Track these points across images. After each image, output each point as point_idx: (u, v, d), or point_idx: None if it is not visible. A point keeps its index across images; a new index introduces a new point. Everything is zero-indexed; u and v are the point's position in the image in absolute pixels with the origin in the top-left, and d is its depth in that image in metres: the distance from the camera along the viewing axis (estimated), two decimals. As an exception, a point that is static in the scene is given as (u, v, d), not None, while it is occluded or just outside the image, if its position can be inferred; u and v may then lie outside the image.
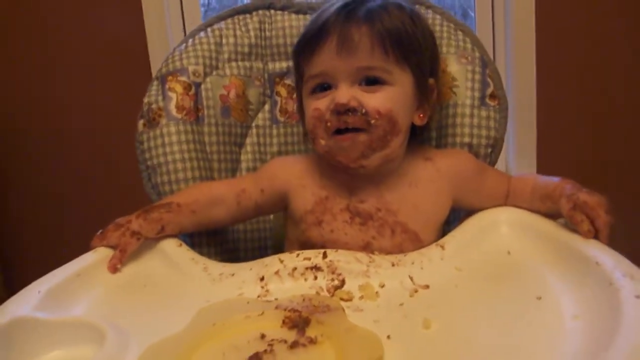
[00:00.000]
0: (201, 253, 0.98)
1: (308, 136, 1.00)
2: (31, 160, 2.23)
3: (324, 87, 0.95)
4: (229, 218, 1.05)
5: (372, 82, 0.93)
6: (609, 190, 0.85)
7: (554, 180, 0.93)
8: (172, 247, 0.95)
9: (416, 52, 0.96)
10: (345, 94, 0.92)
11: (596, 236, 0.81)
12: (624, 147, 2.14)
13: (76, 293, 0.83)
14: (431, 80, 1.01)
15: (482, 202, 1.00)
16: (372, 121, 0.92)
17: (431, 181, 1.01)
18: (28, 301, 0.76)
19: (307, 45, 0.96)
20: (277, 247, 1.16)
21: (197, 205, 1.00)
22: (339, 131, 0.93)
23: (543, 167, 2.10)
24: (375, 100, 0.92)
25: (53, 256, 0.95)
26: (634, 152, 2.14)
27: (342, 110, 0.92)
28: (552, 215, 0.91)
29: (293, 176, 1.04)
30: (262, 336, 0.71)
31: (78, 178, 2.23)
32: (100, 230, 0.94)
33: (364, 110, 0.91)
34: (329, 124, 0.93)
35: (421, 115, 1.01)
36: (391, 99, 0.93)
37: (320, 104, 0.95)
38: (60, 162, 2.22)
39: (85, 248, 0.93)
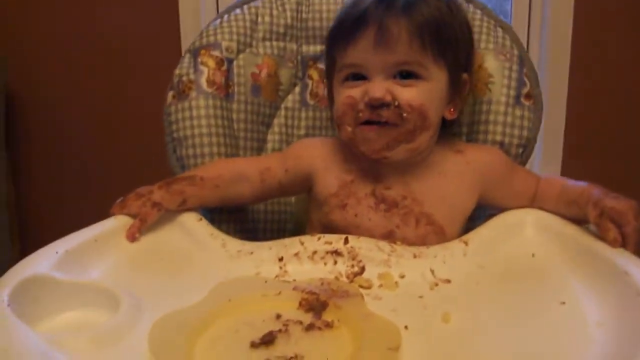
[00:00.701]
0: (220, 229, 0.97)
1: (334, 121, 0.99)
2: (58, 123, 2.24)
3: (357, 77, 0.94)
4: (252, 196, 1.04)
5: (406, 76, 0.92)
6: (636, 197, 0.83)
7: (581, 185, 0.91)
8: (192, 221, 0.95)
9: (453, 46, 0.95)
10: (380, 87, 0.91)
11: (624, 243, 0.79)
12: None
13: (94, 257, 0.83)
14: (465, 75, 1.00)
15: (509, 201, 0.99)
16: (405, 114, 0.91)
17: (460, 173, 1.00)
18: (46, 260, 0.76)
19: (344, 33, 0.94)
20: (297, 230, 1.15)
21: (221, 180, 0.99)
22: (367, 122, 0.93)
23: (567, 172, 2.08)
24: (409, 94, 0.91)
25: (72, 223, 0.95)
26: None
27: (376, 105, 0.91)
28: (579, 221, 0.89)
29: (319, 158, 1.03)
30: (278, 316, 0.70)
31: (104, 145, 2.24)
32: (120, 198, 0.93)
33: (396, 103, 0.90)
34: (360, 114, 0.92)
35: (452, 109, 1.00)
36: (425, 94, 0.92)
37: (353, 92, 0.93)
38: (88, 129, 2.24)
39: (105, 215, 0.93)
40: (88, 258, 0.82)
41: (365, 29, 0.91)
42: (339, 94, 0.96)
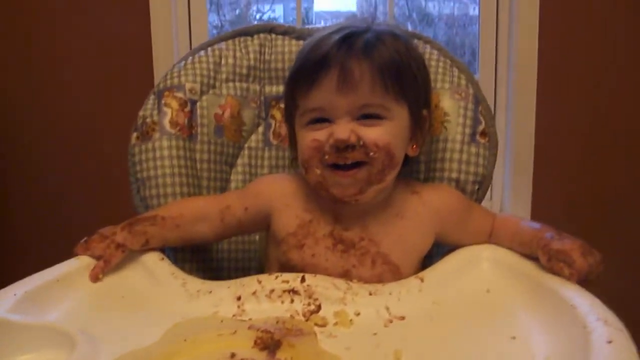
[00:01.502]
0: (184, 269, 0.98)
1: (299, 164, 1.00)
2: (29, 161, 2.23)
3: (321, 120, 0.95)
4: (212, 234, 1.05)
5: (369, 117, 0.93)
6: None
7: (534, 228, 0.94)
8: (154, 261, 0.96)
9: (413, 85, 0.97)
10: (344, 129, 0.91)
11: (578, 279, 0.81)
12: (619, 194, 2.15)
13: (53, 298, 0.83)
14: (425, 112, 1.02)
15: (465, 239, 1.01)
16: (371, 154, 0.92)
17: (417, 214, 1.01)
18: (2, 303, 0.76)
19: (305, 77, 0.95)
20: (261, 269, 1.15)
21: (182, 220, 1.00)
22: (336, 165, 0.94)
23: (537, 208, 2.11)
24: (374, 134, 0.92)
25: (36, 263, 0.95)
26: (630, 201, 2.15)
27: (341, 147, 0.92)
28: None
29: (278, 195, 1.04)
30: (232, 355, 0.71)
31: (72, 182, 2.22)
32: (84, 239, 0.94)
33: (361, 143, 0.91)
34: (326, 156, 0.93)
35: (414, 146, 1.01)
36: (389, 133, 0.93)
37: (318, 135, 0.94)
38: (57, 165, 2.22)
39: (70, 254, 0.93)
40: (48, 299, 0.82)
41: (327, 72, 0.92)
42: (304, 137, 0.97)
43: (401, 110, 0.95)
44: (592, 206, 2.15)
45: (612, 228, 2.12)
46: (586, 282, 0.82)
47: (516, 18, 2.05)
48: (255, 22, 2.37)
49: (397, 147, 0.95)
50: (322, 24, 2.31)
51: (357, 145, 0.91)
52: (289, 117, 1.03)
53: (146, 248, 0.96)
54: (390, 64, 0.93)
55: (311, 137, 0.95)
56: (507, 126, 2.10)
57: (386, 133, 0.93)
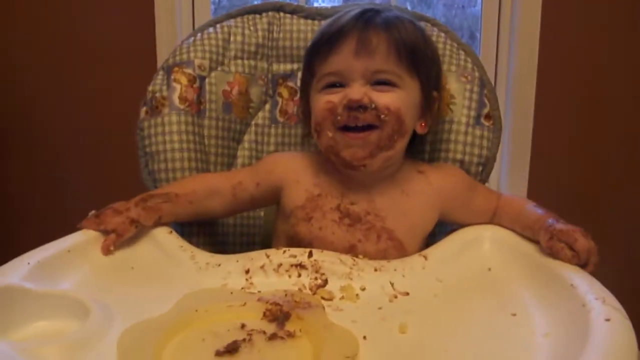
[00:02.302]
0: (190, 242, 1.00)
1: (311, 134, 1.03)
2: (34, 144, 2.24)
3: (336, 85, 0.98)
4: (224, 210, 1.07)
5: (382, 83, 0.97)
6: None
7: (538, 212, 0.95)
8: (162, 234, 0.97)
9: (425, 64, 1.01)
10: (358, 90, 0.95)
11: (578, 260, 0.84)
12: (615, 178, 2.17)
13: (65, 268, 0.85)
14: (435, 93, 1.05)
15: (469, 218, 1.03)
16: (382, 116, 0.95)
17: (422, 192, 1.04)
18: (17, 271, 0.78)
19: (325, 45, 0.99)
20: (266, 243, 1.17)
21: (194, 196, 1.03)
22: (346, 128, 0.96)
23: (532, 191, 2.13)
24: (386, 98, 0.96)
25: (46, 234, 0.96)
26: (625, 184, 2.17)
27: (354, 106, 0.95)
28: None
29: (289, 171, 1.06)
30: (243, 326, 0.73)
31: (80, 157, 2.24)
32: (92, 212, 0.95)
33: (373, 106, 0.95)
34: (339, 117, 0.96)
35: (423, 124, 1.04)
36: (400, 99, 0.97)
37: (332, 98, 0.98)
38: (64, 140, 2.23)
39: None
40: (59, 269, 0.84)
41: (346, 39, 0.97)
42: (318, 101, 1.00)
43: (413, 84, 0.99)
44: (589, 190, 2.16)
45: (609, 213, 2.15)
46: (584, 267, 0.84)
47: (519, 1, 2.06)
48: (254, 1, 2.36)
49: (408, 115, 0.98)
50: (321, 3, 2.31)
51: (369, 107, 0.95)
52: (305, 88, 1.06)
53: (158, 224, 0.98)
54: (407, 40, 0.98)
55: (325, 99, 0.98)
56: (506, 110, 2.12)
57: (398, 99, 0.96)
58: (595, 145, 2.16)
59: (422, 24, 1.18)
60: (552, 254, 0.86)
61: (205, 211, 1.05)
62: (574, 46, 2.10)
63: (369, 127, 0.96)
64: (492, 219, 1.03)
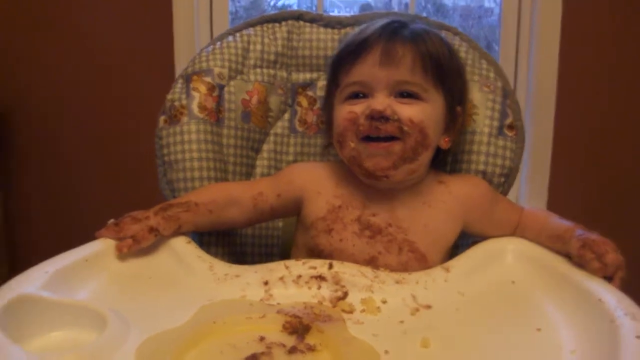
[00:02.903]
0: (209, 252, 0.99)
1: (333, 144, 1.02)
2: (50, 141, 2.25)
3: (359, 95, 0.98)
4: (244, 220, 1.07)
5: (407, 95, 0.96)
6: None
7: (567, 223, 0.94)
8: (181, 244, 0.96)
9: (451, 78, 1.00)
10: (381, 101, 0.94)
11: (605, 271, 0.82)
12: (635, 193, 2.14)
13: (82, 277, 0.84)
14: (459, 108, 1.04)
15: (491, 230, 1.02)
16: (405, 129, 0.94)
17: (444, 203, 1.02)
18: (35, 280, 0.77)
19: (350, 55, 0.99)
20: (284, 254, 1.16)
21: (214, 205, 1.02)
22: (369, 138, 0.95)
23: (553, 202, 2.10)
24: (409, 111, 0.95)
25: (63, 242, 0.96)
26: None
27: (376, 117, 0.94)
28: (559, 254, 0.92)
29: (310, 182, 1.05)
30: (262, 338, 0.72)
31: (97, 165, 2.25)
32: (111, 221, 0.95)
33: (396, 117, 0.94)
34: (361, 127, 0.95)
35: (447, 139, 1.03)
36: (424, 113, 0.96)
37: (355, 108, 0.97)
38: (81, 149, 2.25)
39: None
40: (78, 278, 0.84)
41: (371, 49, 0.96)
42: (340, 111, 0.99)
43: (438, 97, 0.98)
44: (610, 201, 2.15)
45: (630, 225, 2.12)
46: (610, 280, 0.82)
47: (538, 12, 2.05)
48: (270, 10, 2.37)
49: (431, 128, 0.97)
50: (336, 12, 2.31)
51: (391, 118, 0.94)
52: (329, 98, 1.06)
53: (178, 233, 0.97)
54: (433, 53, 0.97)
55: (348, 110, 0.98)
56: (526, 120, 2.08)
57: (421, 112, 0.95)
58: (616, 156, 2.14)
59: (443, 33, 1.17)
60: (581, 263, 0.85)
61: (225, 221, 1.05)
62: (595, 56, 2.08)
63: (392, 138, 0.95)
64: (515, 232, 1.01)
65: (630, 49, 2.07)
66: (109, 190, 2.23)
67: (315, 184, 1.05)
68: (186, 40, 2.12)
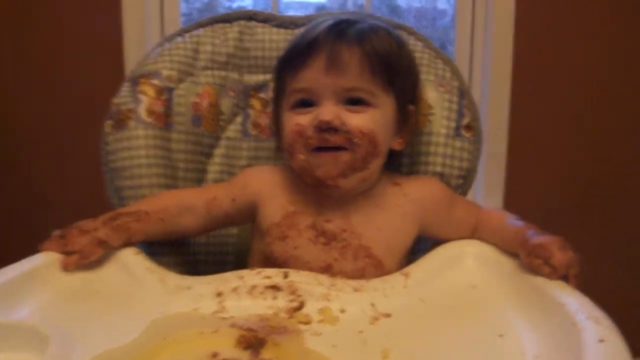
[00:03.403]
0: (159, 263, 0.95)
1: (283, 151, 0.99)
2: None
3: (306, 103, 0.94)
4: (198, 227, 1.03)
5: (355, 102, 0.93)
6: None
7: (517, 225, 0.92)
8: (129, 255, 0.92)
9: (401, 77, 0.97)
10: (329, 111, 0.91)
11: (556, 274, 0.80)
12: (591, 190, 2.17)
13: (23, 294, 0.79)
14: (411, 107, 1.01)
15: (449, 232, 1.00)
16: (355, 140, 0.91)
17: (398, 205, 1.00)
18: (-31, 301, 0.72)
19: (294, 59, 0.95)
20: (240, 263, 1.12)
21: (166, 214, 0.98)
22: (319, 149, 0.92)
23: (509, 202, 2.11)
24: (358, 120, 0.92)
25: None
26: (602, 196, 2.17)
27: (324, 128, 0.90)
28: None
29: (265, 186, 1.02)
30: (215, 354, 0.68)
31: (42, 179, 2.17)
32: (57, 232, 0.90)
33: (346, 129, 0.91)
34: (310, 140, 0.92)
35: (400, 140, 1.00)
36: (374, 120, 0.93)
37: (302, 119, 0.93)
38: (25, 156, 2.16)
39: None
40: (17, 296, 0.79)
41: (317, 54, 0.92)
42: (288, 121, 0.96)
43: (388, 100, 0.95)
44: (566, 199, 2.16)
45: (588, 223, 2.15)
46: (566, 279, 0.81)
47: (491, 13, 2.05)
48: (224, 11, 2.33)
49: (382, 136, 0.94)
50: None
51: (340, 129, 0.90)
52: (276, 102, 1.02)
53: (127, 243, 0.93)
54: (381, 53, 0.93)
55: (295, 122, 0.94)
56: (481, 120, 2.10)
57: (371, 121, 0.92)
58: (572, 154, 2.16)
59: (398, 32, 1.15)
60: (532, 270, 0.83)
61: (177, 229, 1.01)
62: (548, 55, 2.09)
63: (341, 148, 0.92)
64: (474, 234, 0.99)
65: (583, 48, 2.09)
66: (59, 197, 2.16)
67: (269, 188, 1.02)
68: (136, 43, 2.07)
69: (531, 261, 0.82)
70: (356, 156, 0.92)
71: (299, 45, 0.96)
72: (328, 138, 0.91)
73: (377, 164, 0.95)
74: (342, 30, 0.93)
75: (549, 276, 0.80)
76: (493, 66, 2.08)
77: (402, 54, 0.99)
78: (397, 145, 1.00)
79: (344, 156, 0.92)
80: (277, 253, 0.97)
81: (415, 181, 1.05)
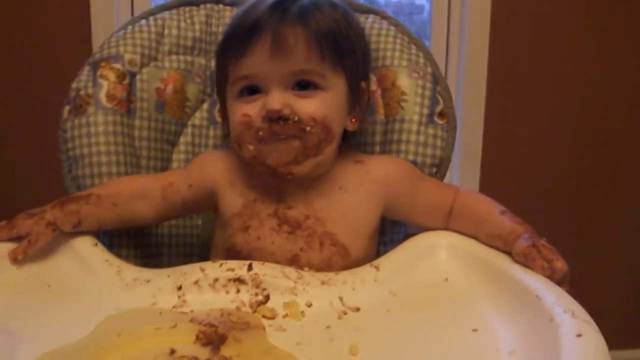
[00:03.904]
0: (120, 255, 0.92)
1: (231, 140, 0.94)
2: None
3: (252, 89, 0.89)
4: (154, 214, 0.98)
5: (305, 86, 0.88)
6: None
7: (510, 223, 0.86)
8: (86, 246, 0.88)
9: (350, 54, 0.92)
10: (278, 99, 0.86)
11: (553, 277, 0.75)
12: (567, 177, 2.17)
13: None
14: (363, 84, 0.97)
15: (416, 214, 0.96)
16: (307, 128, 0.87)
17: (360, 184, 0.96)
18: None
19: (236, 44, 0.89)
20: (204, 255, 1.08)
21: (119, 198, 0.93)
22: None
23: (484, 190, 2.09)
24: (309, 106, 0.87)
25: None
26: (580, 184, 2.18)
27: (274, 117, 0.86)
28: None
29: (223, 172, 0.98)
30: (172, 351, 0.65)
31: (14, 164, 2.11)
32: (3, 222, 0.85)
33: (296, 118, 0.86)
34: (260, 132, 0.88)
35: (353, 120, 0.96)
36: (326, 104, 0.88)
37: (249, 109, 0.89)
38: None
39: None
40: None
41: (259, 38, 0.86)
42: (234, 111, 0.91)
43: (338, 81, 0.91)
44: (541, 190, 2.16)
45: (565, 219, 2.15)
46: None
47: (468, 8, 2.05)
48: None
49: (334, 120, 0.90)
50: None
51: (290, 118, 0.86)
52: (220, 89, 0.98)
53: (79, 229, 0.89)
54: (327, 31, 0.88)
55: (241, 112, 0.89)
56: (457, 111, 2.08)
57: (323, 105, 0.88)
58: (548, 148, 2.16)
59: (371, 17, 1.12)
60: (526, 260, 0.77)
61: (132, 215, 0.96)
62: (524, 47, 2.10)
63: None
64: (449, 219, 0.94)
65: (560, 42, 2.09)
66: (20, 185, 2.10)
67: (228, 174, 0.97)
68: (105, 24, 2.00)
69: (531, 252, 0.77)
70: (308, 144, 0.88)
71: (239, 28, 0.90)
72: (278, 130, 0.87)
73: (331, 148, 0.91)
74: (284, 10, 0.87)
75: (544, 271, 0.75)
76: (469, 61, 2.07)
77: (351, 30, 0.93)
78: (351, 125, 0.96)
79: (295, 143, 0.88)
80: (240, 245, 0.93)
81: (379, 159, 1.02)
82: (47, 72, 2.03)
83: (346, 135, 0.97)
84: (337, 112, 0.90)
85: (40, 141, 1.98)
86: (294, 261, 0.91)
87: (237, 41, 0.89)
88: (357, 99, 0.95)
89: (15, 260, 0.81)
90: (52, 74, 1.99)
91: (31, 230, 0.83)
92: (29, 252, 0.82)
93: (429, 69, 1.08)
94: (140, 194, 0.96)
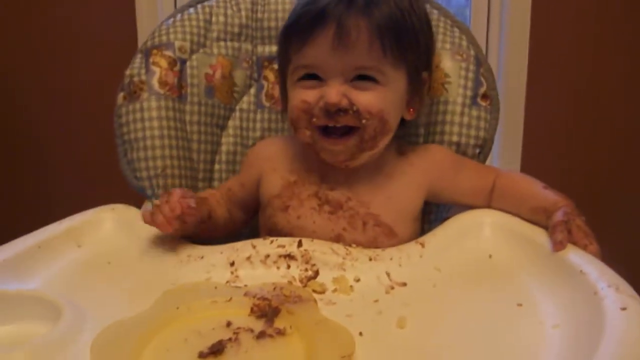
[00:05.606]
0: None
1: (288, 121, 0.97)
2: (15, 136, 2.18)
3: (312, 77, 0.91)
4: (238, 219, 1.07)
5: (364, 77, 0.89)
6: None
7: (553, 195, 0.88)
8: (141, 224, 0.90)
9: (413, 47, 0.92)
10: (336, 92, 0.87)
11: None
12: (609, 160, 2.15)
13: (34, 265, 0.80)
14: (424, 74, 0.98)
15: (460, 196, 0.98)
16: (364, 121, 0.88)
17: (404, 173, 0.98)
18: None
19: (300, 31, 0.90)
20: (254, 234, 1.11)
21: (217, 199, 1.02)
22: (326, 128, 0.90)
23: (526, 171, 2.09)
24: (367, 99, 0.88)
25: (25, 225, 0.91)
26: (620, 167, 2.15)
27: (332, 110, 0.88)
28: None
29: (266, 160, 1.02)
30: (228, 324, 0.68)
31: (57, 144, 2.18)
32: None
33: (355, 109, 0.88)
34: (314, 119, 0.90)
35: (411, 109, 0.98)
36: (383, 99, 0.89)
37: (308, 96, 0.90)
38: (41, 127, 2.18)
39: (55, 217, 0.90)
40: (28, 267, 0.79)
41: (323, 28, 0.87)
42: (293, 96, 0.93)
43: (398, 75, 0.91)
44: (582, 174, 2.14)
45: (603, 200, 2.12)
46: None
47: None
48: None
49: (391, 114, 0.91)
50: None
51: (348, 109, 0.88)
52: (282, 72, 0.99)
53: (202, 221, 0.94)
54: (391, 23, 0.88)
55: (301, 98, 0.91)
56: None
57: (380, 99, 0.89)
58: (590, 128, 2.13)
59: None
60: (550, 229, 0.80)
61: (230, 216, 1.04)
62: (566, 27, 2.07)
63: (348, 130, 0.90)
64: (491, 199, 0.95)
65: (602, 20, 2.05)
66: (76, 173, 2.16)
67: (271, 161, 1.01)
68: (149, 13, 2.06)
69: (559, 226, 0.79)
70: (365, 137, 0.90)
71: (304, 16, 0.89)
72: (337, 119, 0.89)
73: (386, 140, 0.93)
74: (350, 0, 0.87)
75: (557, 245, 0.77)
76: (509, 44, 2.06)
77: (415, 17, 0.92)
78: (409, 115, 0.97)
79: (352, 140, 0.90)
80: (281, 225, 0.96)
81: (420, 151, 1.03)
82: (95, 62, 2.09)
83: (404, 124, 0.99)
84: (394, 107, 0.92)
85: (95, 127, 2.03)
86: (337, 240, 0.92)
87: (301, 29, 0.89)
88: (418, 89, 0.97)
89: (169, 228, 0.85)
90: (100, 63, 2.05)
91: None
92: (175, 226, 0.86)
93: (472, 52, 1.09)
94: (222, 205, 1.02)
